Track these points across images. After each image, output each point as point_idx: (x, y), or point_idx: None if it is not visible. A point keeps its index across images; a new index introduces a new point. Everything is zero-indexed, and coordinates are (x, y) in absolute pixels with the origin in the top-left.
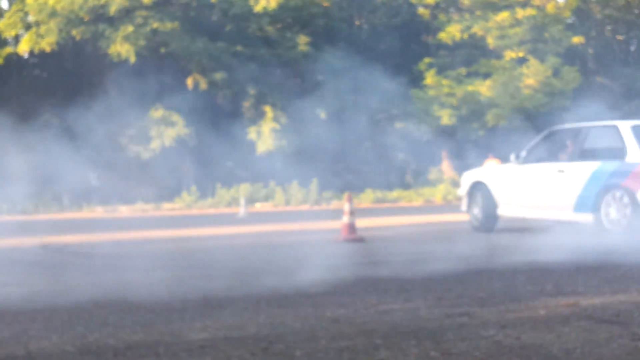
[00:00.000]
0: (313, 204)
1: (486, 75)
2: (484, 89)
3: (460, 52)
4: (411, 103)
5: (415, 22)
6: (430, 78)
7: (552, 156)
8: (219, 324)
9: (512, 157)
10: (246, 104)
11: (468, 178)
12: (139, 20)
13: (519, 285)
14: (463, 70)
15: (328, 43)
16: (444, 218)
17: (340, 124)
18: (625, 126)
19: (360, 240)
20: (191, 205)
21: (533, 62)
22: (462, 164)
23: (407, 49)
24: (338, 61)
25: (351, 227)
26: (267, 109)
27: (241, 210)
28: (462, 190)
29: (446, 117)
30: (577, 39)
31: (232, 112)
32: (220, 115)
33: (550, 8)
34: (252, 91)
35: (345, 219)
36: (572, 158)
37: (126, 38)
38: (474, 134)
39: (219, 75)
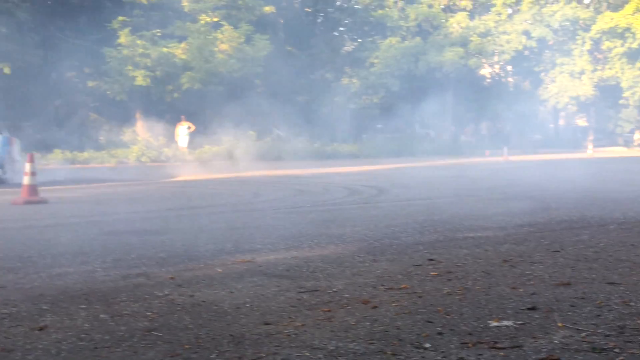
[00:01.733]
0: None
1: (181, 38)
2: (179, 51)
3: (155, 13)
4: (104, 62)
5: None
6: (124, 37)
7: None
8: None
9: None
10: None
11: None
12: None
13: (201, 244)
14: (158, 32)
15: None
16: (137, 179)
17: (27, 80)
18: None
19: (43, 201)
20: None
21: (227, 27)
22: (157, 126)
23: (101, 6)
24: (23, 13)
25: (32, 189)
26: None
27: None
28: None
29: (140, 78)
30: (268, 9)
31: None
32: None
33: None
34: None
35: (26, 180)
36: None
37: None
38: (169, 96)
39: None
